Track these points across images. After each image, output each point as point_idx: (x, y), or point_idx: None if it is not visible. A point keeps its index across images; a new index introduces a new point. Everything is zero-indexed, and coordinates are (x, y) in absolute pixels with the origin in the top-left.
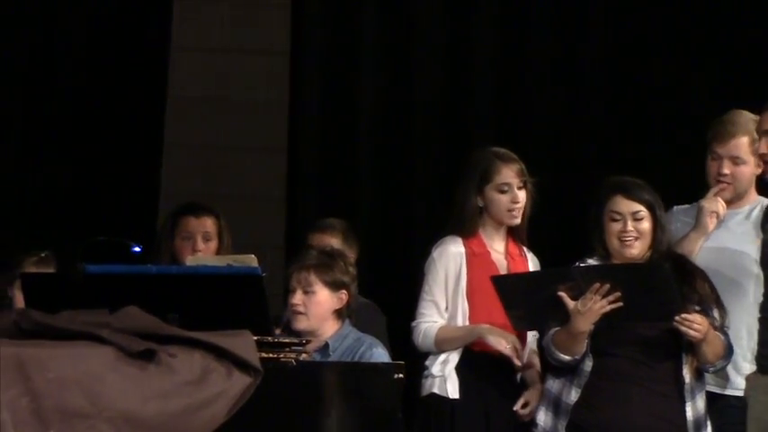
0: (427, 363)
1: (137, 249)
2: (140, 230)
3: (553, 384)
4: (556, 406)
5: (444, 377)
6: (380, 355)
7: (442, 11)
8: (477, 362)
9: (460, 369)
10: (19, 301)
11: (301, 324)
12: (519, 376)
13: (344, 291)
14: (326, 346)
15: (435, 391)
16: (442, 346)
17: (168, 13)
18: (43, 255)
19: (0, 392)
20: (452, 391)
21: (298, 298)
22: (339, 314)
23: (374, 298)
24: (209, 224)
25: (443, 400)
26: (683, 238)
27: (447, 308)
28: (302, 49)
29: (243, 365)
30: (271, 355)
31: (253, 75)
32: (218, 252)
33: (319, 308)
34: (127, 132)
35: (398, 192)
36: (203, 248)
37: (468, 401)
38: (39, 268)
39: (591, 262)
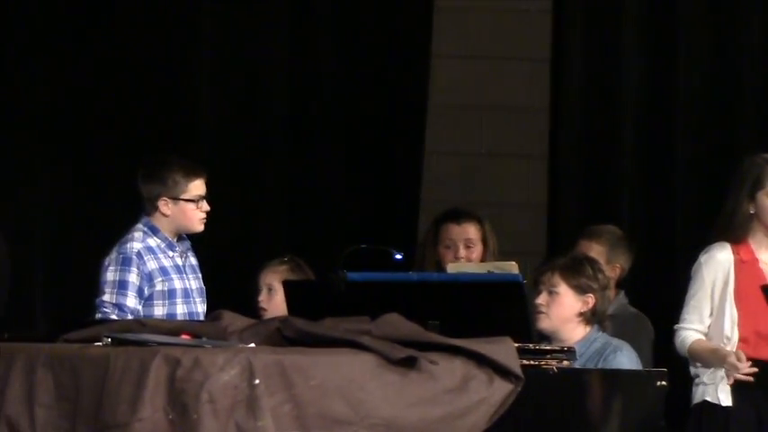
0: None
1: (398, 257)
2: (401, 238)
3: None
4: None
5: (716, 385)
6: (624, 356)
7: (705, 11)
8: None
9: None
10: (274, 307)
11: (543, 323)
12: None
13: (591, 295)
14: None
15: (708, 398)
16: (693, 360)
17: (428, 22)
18: (286, 259)
19: (264, 399)
20: (725, 398)
21: (542, 298)
22: (586, 318)
23: (637, 303)
24: (471, 231)
25: (716, 407)
26: None
27: (711, 314)
28: (563, 55)
29: (504, 372)
30: (532, 362)
31: (513, 81)
32: (484, 258)
33: (561, 309)
34: (388, 140)
35: (661, 196)
36: (465, 255)
37: (741, 409)
38: (285, 274)
39: None
